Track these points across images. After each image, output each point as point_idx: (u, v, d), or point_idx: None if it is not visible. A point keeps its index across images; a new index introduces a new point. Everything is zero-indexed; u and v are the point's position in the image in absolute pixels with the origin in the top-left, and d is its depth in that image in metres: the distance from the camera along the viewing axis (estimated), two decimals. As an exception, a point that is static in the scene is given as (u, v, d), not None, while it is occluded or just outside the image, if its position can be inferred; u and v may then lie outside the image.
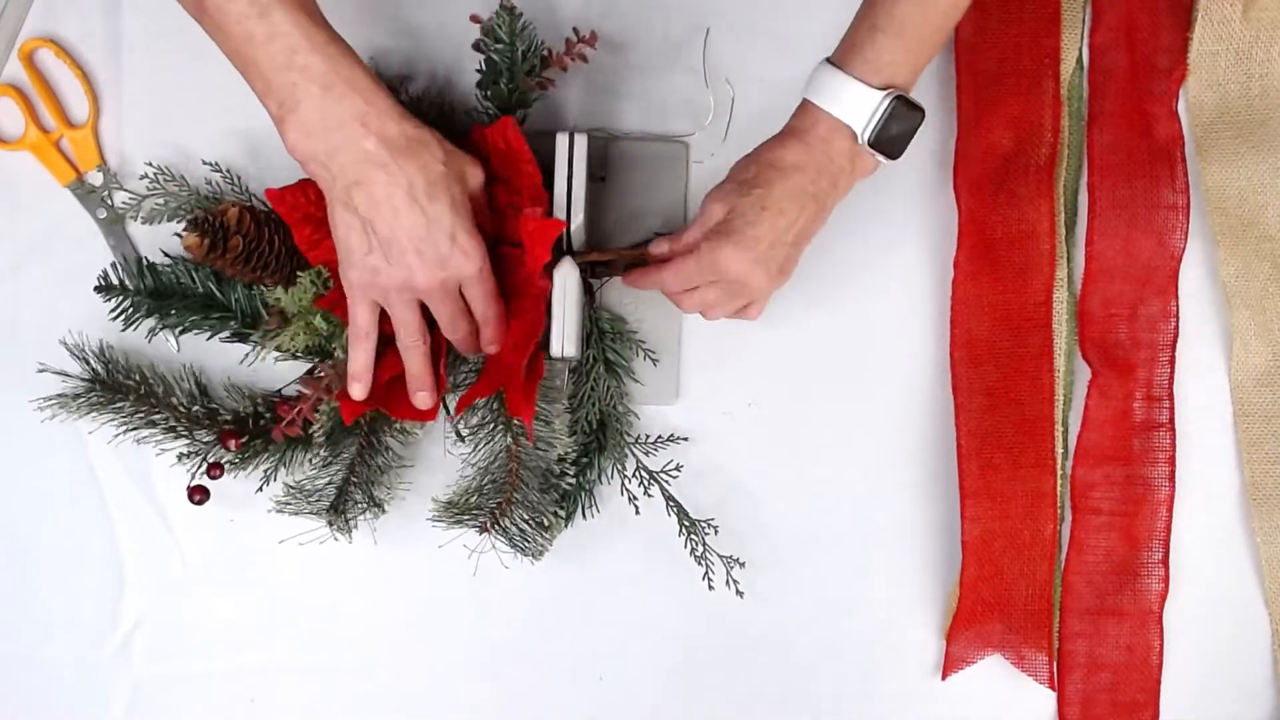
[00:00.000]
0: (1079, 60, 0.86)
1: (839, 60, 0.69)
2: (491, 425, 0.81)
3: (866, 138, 0.68)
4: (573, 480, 0.81)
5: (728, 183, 0.72)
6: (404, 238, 0.66)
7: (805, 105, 0.70)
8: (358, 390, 0.74)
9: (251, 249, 0.76)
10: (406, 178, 0.64)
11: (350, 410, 0.76)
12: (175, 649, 0.85)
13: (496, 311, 0.73)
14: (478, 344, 0.75)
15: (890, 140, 0.69)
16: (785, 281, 0.73)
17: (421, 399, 0.74)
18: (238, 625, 0.85)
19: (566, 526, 0.82)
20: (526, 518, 0.80)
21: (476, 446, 0.82)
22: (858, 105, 0.68)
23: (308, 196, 0.76)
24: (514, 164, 0.76)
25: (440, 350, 0.75)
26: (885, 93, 0.68)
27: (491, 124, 0.76)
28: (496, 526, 0.79)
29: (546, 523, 0.80)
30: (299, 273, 0.77)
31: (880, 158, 0.70)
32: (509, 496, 0.80)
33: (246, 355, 0.80)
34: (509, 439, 0.81)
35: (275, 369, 0.81)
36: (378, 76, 0.65)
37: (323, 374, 0.78)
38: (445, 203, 0.66)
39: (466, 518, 0.80)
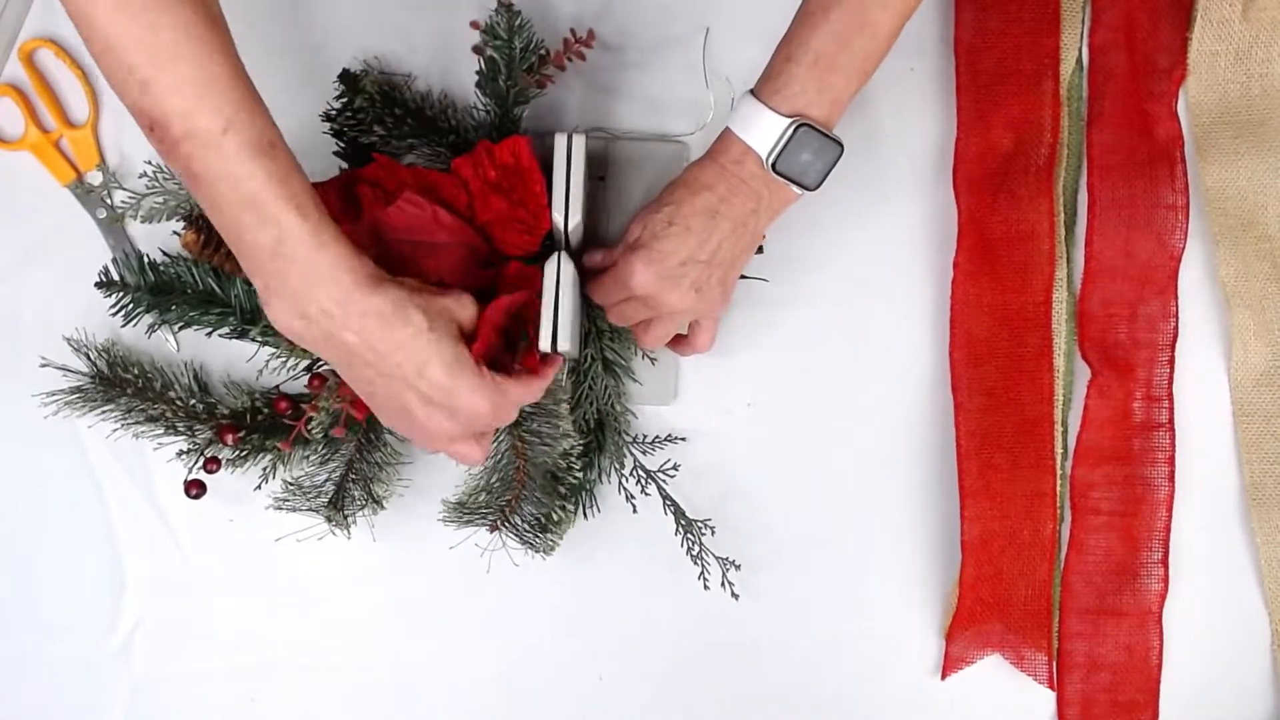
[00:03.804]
0: (1079, 60, 0.86)
1: (755, 88, 0.71)
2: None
3: (770, 163, 0.69)
4: (579, 474, 0.81)
5: (651, 201, 0.73)
6: (413, 411, 0.66)
7: (725, 130, 0.72)
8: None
9: None
10: (392, 359, 0.64)
11: (363, 408, 0.76)
12: (175, 649, 0.85)
13: (536, 394, 0.72)
14: None
15: (801, 169, 0.70)
16: (713, 304, 0.73)
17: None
18: (238, 625, 0.85)
19: (574, 521, 0.82)
20: (535, 514, 0.80)
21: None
22: (763, 132, 0.69)
23: None
24: (521, 181, 0.77)
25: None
26: (790, 121, 0.68)
27: (501, 140, 0.77)
28: (506, 524, 0.79)
29: (556, 518, 0.80)
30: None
31: (794, 188, 0.71)
32: (517, 494, 0.80)
33: (265, 361, 0.81)
34: (514, 436, 0.81)
35: (275, 366, 0.81)
36: (359, 254, 0.63)
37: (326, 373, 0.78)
38: (438, 370, 0.64)
39: (476, 517, 0.80)
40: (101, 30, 0.57)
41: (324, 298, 0.62)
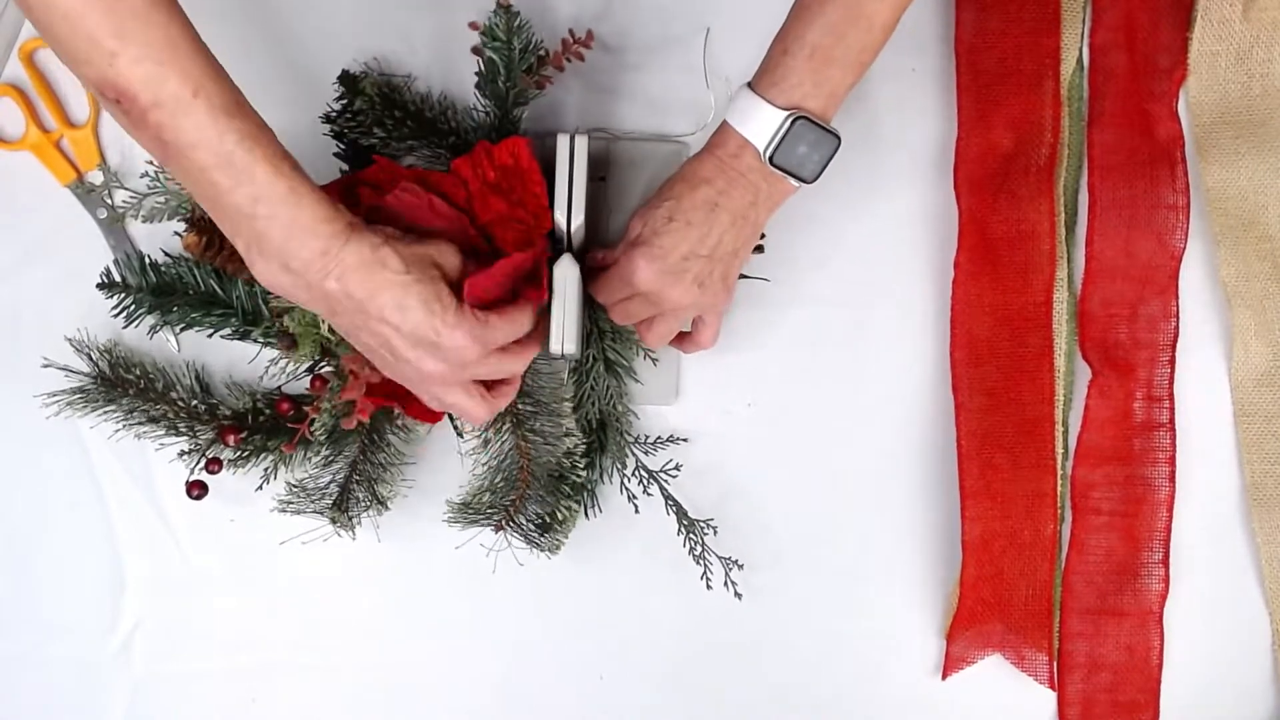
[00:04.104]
0: (1079, 60, 0.86)
1: (753, 81, 0.71)
2: (500, 423, 0.81)
3: (767, 156, 0.69)
4: (583, 473, 0.81)
5: (651, 197, 0.74)
6: (401, 352, 0.66)
7: (722, 124, 0.72)
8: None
9: None
10: (376, 304, 0.64)
11: (367, 406, 0.76)
12: (175, 649, 0.85)
13: (524, 324, 0.71)
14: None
15: (799, 161, 0.70)
16: (715, 298, 0.74)
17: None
18: (238, 625, 0.85)
19: (578, 520, 0.82)
20: (539, 513, 0.80)
21: (486, 444, 0.82)
22: (761, 124, 0.69)
23: None
24: (521, 181, 0.77)
25: None
26: (787, 113, 0.69)
27: (500, 140, 0.77)
28: (511, 524, 0.80)
29: (560, 516, 0.80)
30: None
31: (791, 180, 0.71)
32: (521, 493, 0.80)
33: (265, 367, 0.81)
34: (517, 436, 0.81)
35: (277, 368, 0.81)
36: (335, 203, 0.64)
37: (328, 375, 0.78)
38: (416, 310, 0.65)
39: (481, 517, 0.80)
40: (61, 2, 0.57)
41: (304, 250, 0.63)
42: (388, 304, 0.64)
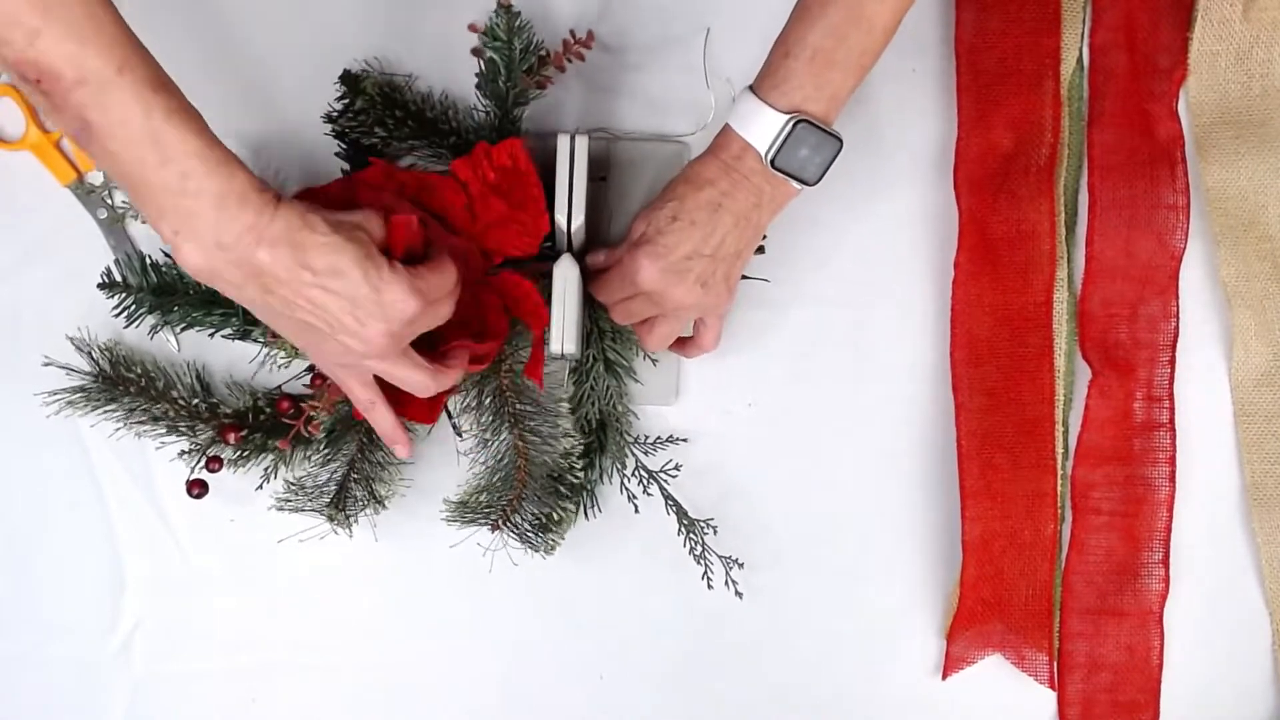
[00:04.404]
0: (1079, 60, 0.86)
1: (754, 84, 0.71)
2: (497, 423, 0.81)
3: (769, 159, 0.69)
4: (580, 474, 0.81)
5: (654, 198, 0.73)
6: (337, 316, 0.64)
7: (725, 127, 0.72)
8: (402, 451, 0.76)
9: None
10: (305, 270, 0.62)
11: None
12: (175, 649, 0.85)
13: (455, 285, 0.70)
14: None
15: (800, 164, 0.70)
16: (718, 299, 0.73)
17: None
18: (238, 625, 0.85)
19: (575, 521, 0.82)
20: (537, 514, 0.80)
21: (485, 444, 0.82)
22: (762, 128, 0.69)
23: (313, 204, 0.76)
24: (519, 183, 0.77)
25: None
26: (789, 117, 0.69)
27: (498, 141, 0.77)
28: (508, 524, 0.80)
29: (557, 517, 0.80)
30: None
31: (794, 183, 0.71)
32: (519, 493, 0.80)
33: (259, 360, 0.81)
34: (515, 436, 0.81)
35: (276, 366, 0.81)
36: (263, 183, 0.63)
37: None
38: (355, 274, 0.63)
39: (478, 517, 0.80)
40: None
41: (237, 222, 0.60)
42: (322, 268, 0.62)
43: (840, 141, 0.70)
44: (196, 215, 0.60)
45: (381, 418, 0.74)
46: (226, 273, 0.62)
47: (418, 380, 0.69)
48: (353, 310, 0.64)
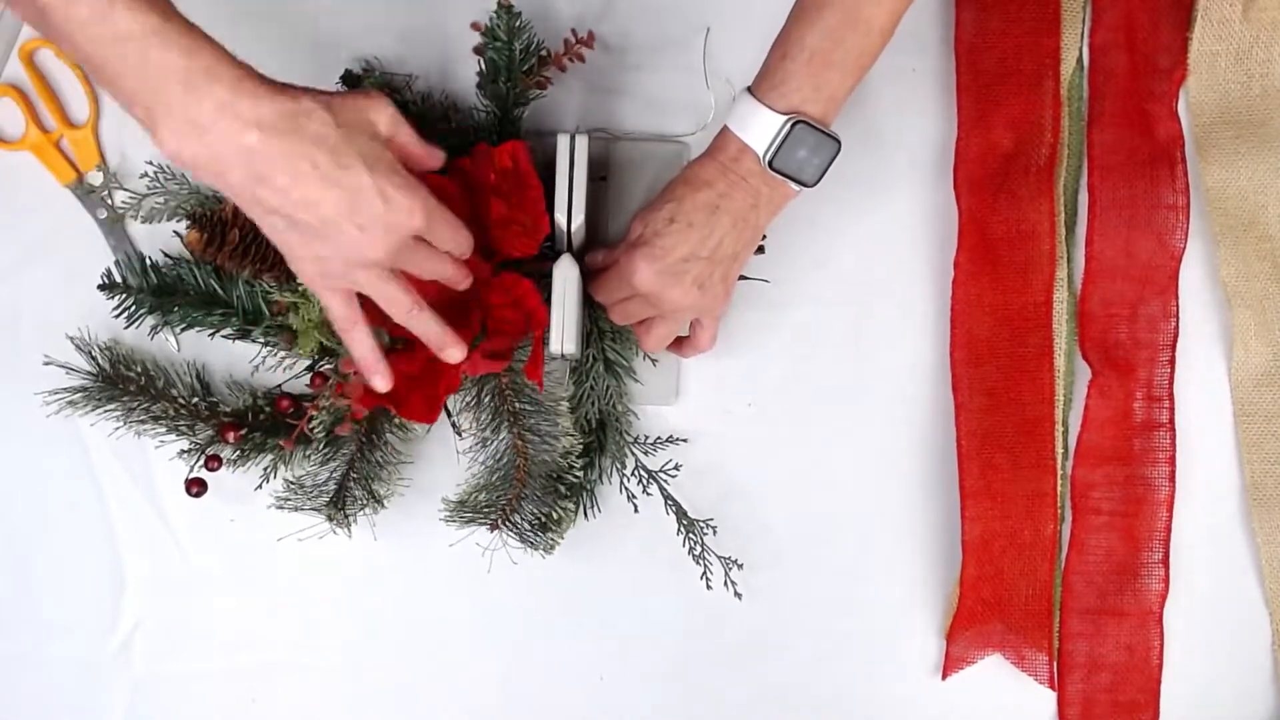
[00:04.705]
0: (1079, 60, 0.86)
1: (753, 86, 0.71)
2: (497, 422, 0.81)
3: (767, 160, 0.69)
4: (579, 473, 0.81)
5: (653, 200, 0.73)
6: (334, 217, 0.60)
7: (723, 128, 0.72)
8: (380, 382, 0.70)
9: (249, 241, 0.76)
10: (306, 159, 0.59)
11: (363, 405, 0.76)
12: (175, 649, 0.85)
13: (464, 238, 0.68)
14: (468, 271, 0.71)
15: (798, 166, 0.70)
16: (714, 301, 0.74)
17: (451, 355, 0.70)
18: (238, 625, 0.85)
19: (574, 521, 0.82)
20: (536, 513, 0.80)
21: (484, 444, 0.82)
22: (760, 129, 0.69)
23: None
24: (519, 184, 0.77)
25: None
26: (786, 118, 0.68)
27: (500, 144, 0.77)
28: (507, 523, 0.80)
29: (556, 517, 0.80)
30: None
31: (792, 184, 0.71)
32: (517, 493, 0.80)
33: (263, 358, 0.81)
34: (514, 435, 0.81)
35: (277, 365, 0.81)
36: (242, 63, 0.59)
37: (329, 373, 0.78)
38: (359, 165, 0.60)
39: (477, 516, 0.80)
40: None
41: (209, 99, 0.57)
42: (324, 161, 0.59)
43: (838, 142, 0.70)
44: (163, 93, 0.57)
45: (359, 342, 0.68)
46: (207, 157, 0.58)
47: (402, 302, 0.65)
48: (352, 213, 0.60)
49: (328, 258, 0.63)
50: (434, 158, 0.68)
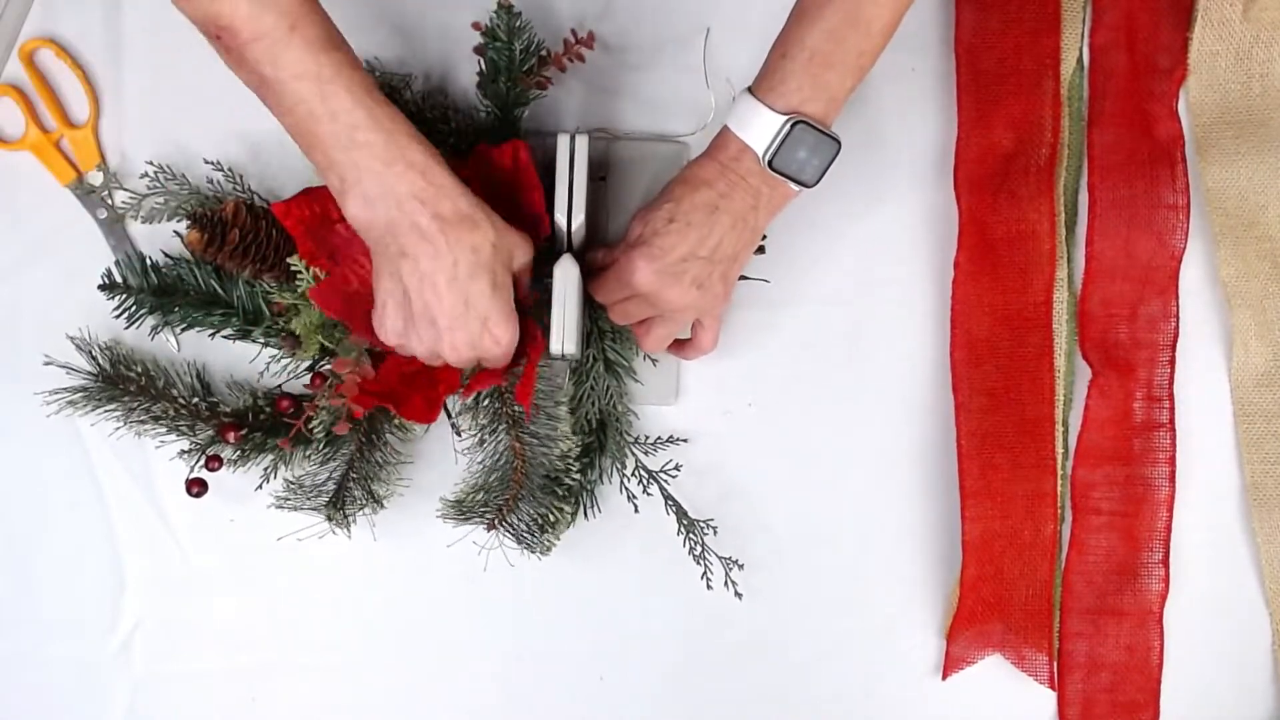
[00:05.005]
0: (1079, 60, 0.86)
1: (753, 86, 0.71)
2: (495, 423, 0.81)
3: (767, 160, 0.69)
4: (577, 476, 0.81)
5: (652, 199, 0.74)
6: (439, 316, 0.67)
7: (723, 128, 0.72)
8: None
9: (249, 241, 0.76)
10: (453, 256, 0.65)
11: (362, 405, 0.76)
12: (175, 649, 0.85)
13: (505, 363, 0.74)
14: None
15: (798, 166, 0.70)
16: (714, 301, 0.74)
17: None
18: (238, 625, 0.85)
19: (572, 522, 0.82)
20: (533, 514, 0.80)
21: (482, 444, 0.82)
22: (760, 129, 0.69)
23: (312, 209, 0.76)
24: (519, 184, 0.77)
25: None
26: (786, 118, 0.68)
27: (500, 143, 0.77)
28: (504, 524, 0.79)
29: (553, 518, 0.80)
30: (289, 259, 0.77)
31: (792, 184, 0.71)
32: (515, 493, 0.80)
33: (266, 363, 0.81)
34: (512, 437, 0.81)
35: (277, 367, 0.81)
36: (435, 149, 0.66)
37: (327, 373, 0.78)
38: (486, 284, 0.67)
39: (474, 515, 0.80)
40: None
41: (404, 182, 0.64)
42: (464, 264, 0.66)
43: (838, 143, 0.70)
44: (363, 169, 0.64)
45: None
46: (383, 226, 0.65)
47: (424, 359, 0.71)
48: (454, 321, 0.67)
49: (407, 337, 0.69)
50: (527, 299, 0.74)
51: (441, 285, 0.66)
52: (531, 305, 0.73)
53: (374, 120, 0.64)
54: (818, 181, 0.71)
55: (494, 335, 0.68)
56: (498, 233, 0.67)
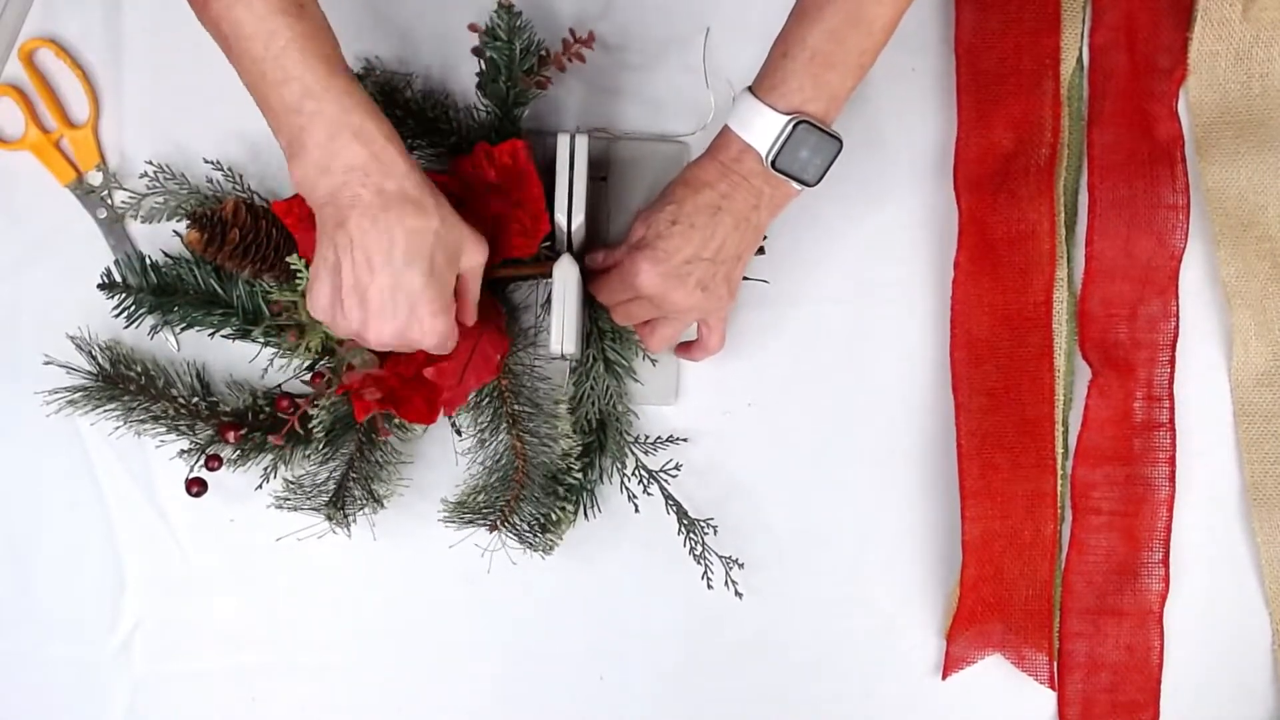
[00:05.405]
0: (1079, 60, 0.86)
1: (754, 85, 0.71)
2: (495, 422, 0.81)
3: (770, 160, 0.69)
4: (578, 475, 0.81)
5: (653, 201, 0.74)
6: (368, 293, 0.65)
7: (724, 129, 0.72)
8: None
9: (249, 241, 0.76)
10: (390, 235, 0.64)
11: (362, 409, 0.76)
12: (175, 649, 0.85)
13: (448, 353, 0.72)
14: None
15: (801, 165, 0.70)
16: (718, 302, 0.74)
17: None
18: (238, 625, 0.85)
19: (573, 522, 0.82)
20: (535, 514, 0.80)
21: (483, 444, 0.82)
22: (762, 129, 0.69)
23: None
24: (519, 184, 0.77)
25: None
26: (789, 118, 0.68)
27: (500, 143, 0.77)
28: (506, 524, 0.79)
29: (555, 518, 0.80)
30: (289, 259, 0.77)
31: (794, 184, 0.71)
32: (516, 494, 0.80)
33: (269, 363, 0.81)
34: (513, 436, 0.81)
35: (278, 365, 0.81)
36: (394, 130, 0.65)
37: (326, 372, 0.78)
38: (420, 270, 0.65)
39: (476, 517, 0.80)
40: None
41: (351, 155, 0.63)
42: (399, 244, 0.64)
43: (840, 142, 0.70)
44: (309, 135, 0.63)
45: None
46: (324, 194, 0.64)
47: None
48: (383, 301, 0.65)
49: (334, 315, 0.67)
50: (469, 321, 0.73)
51: (376, 262, 0.64)
52: (495, 312, 0.71)
53: (326, 89, 0.63)
54: (819, 181, 0.71)
55: (422, 325, 0.66)
56: (444, 223, 0.66)
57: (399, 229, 0.64)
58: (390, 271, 0.64)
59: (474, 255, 0.69)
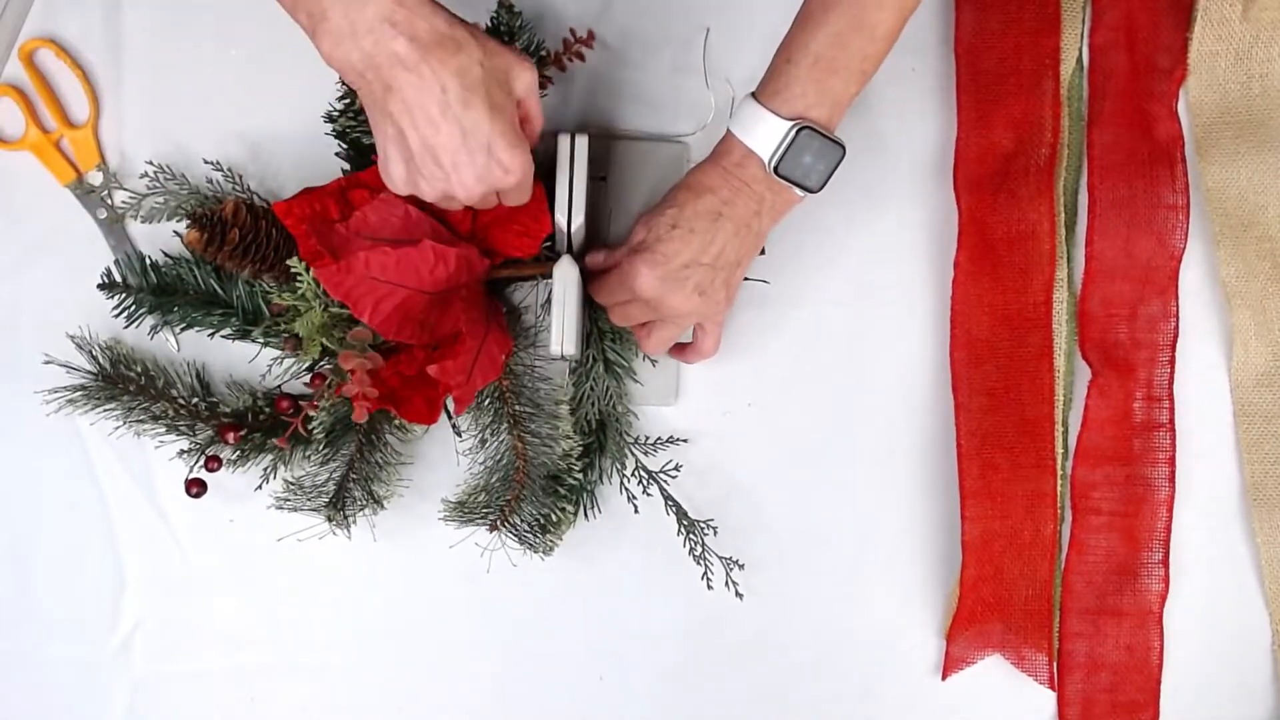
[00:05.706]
0: (1079, 60, 0.86)
1: (757, 91, 0.71)
2: (496, 422, 0.81)
3: (772, 166, 0.69)
4: (579, 475, 0.81)
5: (655, 204, 0.73)
6: (439, 149, 0.63)
7: (727, 133, 0.72)
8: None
9: (249, 241, 0.76)
10: (439, 82, 0.61)
11: (362, 409, 0.76)
12: (175, 649, 0.85)
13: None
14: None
15: (803, 171, 0.70)
16: (716, 307, 0.74)
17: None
18: (238, 625, 0.85)
19: (574, 522, 0.82)
20: (535, 514, 0.80)
21: (484, 444, 0.82)
22: (765, 135, 0.69)
23: (313, 208, 0.76)
24: None
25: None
26: (792, 124, 0.68)
27: None
28: (506, 524, 0.80)
29: (555, 518, 0.80)
30: (289, 261, 0.77)
31: (796, 190, 0.71)
32: (517, 494, 0.80)
33: (270, 365, 0.81)
34: (514, 437, 0.81)
35: (279, 366, 0.81)
36: None
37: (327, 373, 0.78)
38: (481, 108, 0.62)
39: (476, 517, 0.80)
40: None
41: (374, 7, 0.59)
42: (453, 89, 0.61)
43: (843, 148, 0.70)
44: (328, 0, 0.60)
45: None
46: (358, 58, 0.61)
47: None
48: (455, 154, 0.63)
49: (415, 182, 0.65)
50: (536, 141, 0.70)
51: (436, 115, 0.62)
52: (498, 311, 0.71)
53: None
54: (822, 187, 0.71)
55: (502, 164, 0.64)
56: (486, 52, 0.63)
57: (445, 73, 0.61)
58: (452, 119, 0.62)
59: (524, 75, 0.66)
